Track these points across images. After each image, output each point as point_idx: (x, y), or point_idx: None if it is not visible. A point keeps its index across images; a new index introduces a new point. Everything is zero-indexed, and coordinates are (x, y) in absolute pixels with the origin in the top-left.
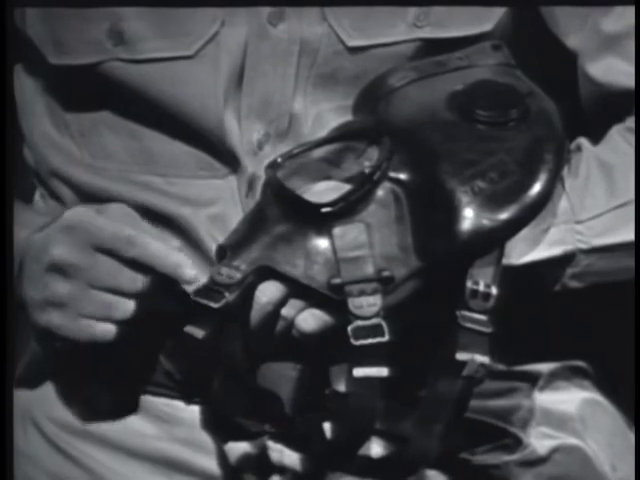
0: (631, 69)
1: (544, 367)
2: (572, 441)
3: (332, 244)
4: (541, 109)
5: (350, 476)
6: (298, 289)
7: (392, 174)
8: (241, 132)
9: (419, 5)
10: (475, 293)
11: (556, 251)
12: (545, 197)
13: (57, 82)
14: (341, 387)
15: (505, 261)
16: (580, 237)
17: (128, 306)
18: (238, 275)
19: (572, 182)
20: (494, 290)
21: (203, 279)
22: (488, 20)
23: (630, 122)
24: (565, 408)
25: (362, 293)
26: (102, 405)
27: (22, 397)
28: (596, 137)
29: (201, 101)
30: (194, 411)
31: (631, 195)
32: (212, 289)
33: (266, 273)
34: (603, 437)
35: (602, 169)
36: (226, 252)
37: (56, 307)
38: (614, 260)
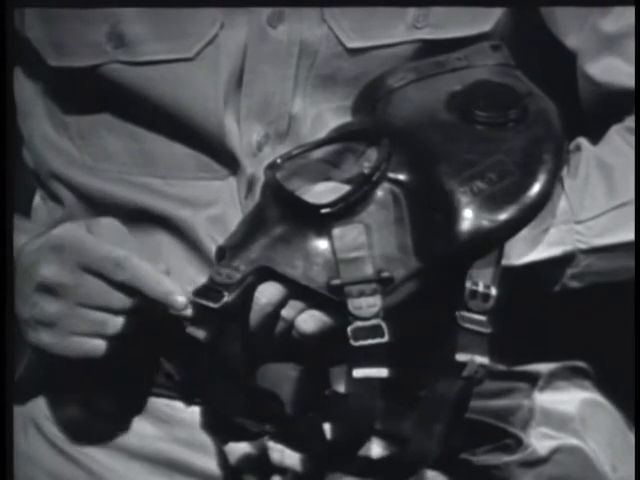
0: (630, 69)
1: (544, 367)
2: (572, 441)
3: (331, 245)
4: (540, 109)
5: (350, 477)
6: (297, 290)
7: (391, 175)
8: (240, 133)
9: (418, 6)
10: (474, 294)
11: (555, 251)
12: (544, 197)
13: (56, 84)
14: (341, 388)
15: (505, 262)
16: (579, 237)
17: (118, 322)
18: (237, 275)
19: (571, 182)
20: (493, 291)
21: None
22: (487, 20)
23: (629, 122)
24: (565, 408)
25: (361, 294)
26: (103, 409)
27: (23, 398)
28: (595, 137)
29: (201, 103)
30: (194, 412)
31: (630, 195)
32: (211, 289)
33: (265, 274)
34: (603, 437)
35: (601, 169)
36: (225, 253)
37: (45, 326)
38: (614, 260)
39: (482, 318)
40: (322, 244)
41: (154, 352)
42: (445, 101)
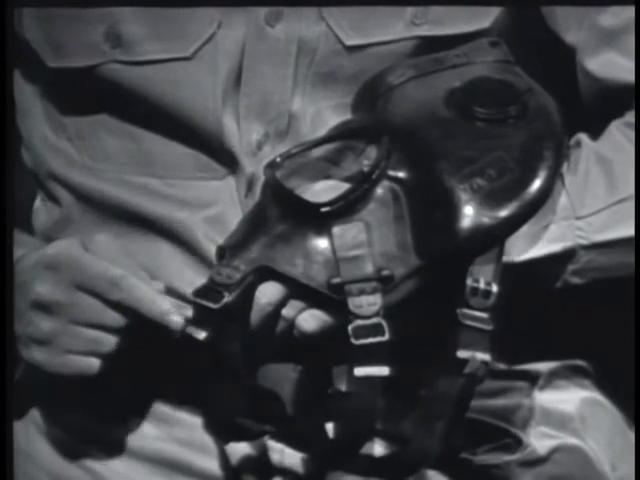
0: (630, 64)
1: (544, 366)
2: (572, 441)
3: (331, 243)
4: (540, 105)
5: (352, 475)
6: (298, 289)
7: (391, 172)
8: (240, 133)
9: (416, 4)
10: (475, 291)
11: (556, 248)
12: (544, 194)
13: (55, 85)
14: (343, 387)
15: (505, 258)
16: (580, 233)
17: (112, 340)
18: (237, 275)
19: (571, 178)
20: (494, 288)
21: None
22: (486, 17)
23: (629, 117)
24: (565, 408)
25: (362, 292)
26: (103, 410)
27: (23, 397)
28: (596, 132)
29: (199, 102)
30: (194, 412)
31: (631, 191)
32: (212, 289)
33: (266, 273)
34: (603, 436)
35: (601, 165)
36: (225, 253)
37: (39, 344)
38: (614, 256)
39: (483, 315)
40: (322, 243)
41: (152, 359)
42: (444, 98)
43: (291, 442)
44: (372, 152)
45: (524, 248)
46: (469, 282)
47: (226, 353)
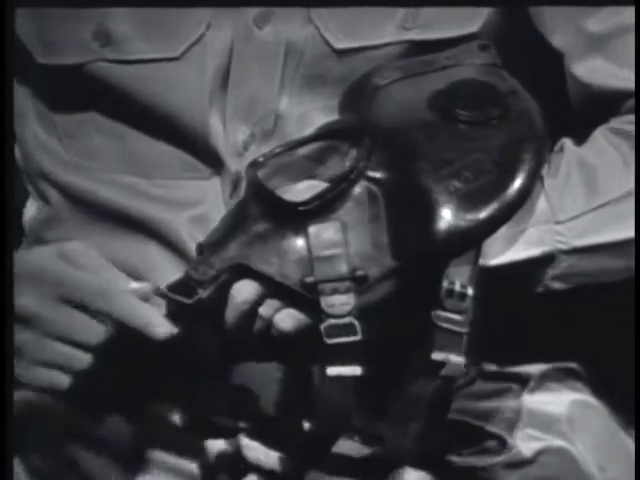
0: (616, 69)
1: (535, 369)
2: (558, 443)
3: (307, 242)
4: (523, 109)
5: (328, 475)
6: (273, 287)
7: (370, 173)
8: (226, 134)
9: (405, 6)
10: (451, 293)
11: (535, 252)
12: (522, 196)
13: (45, 82)
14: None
15: (483, 261)
16: (560, 238)
17: (85, 359)
18: (212, 272)
19: (552, 183)
20: (470, 290)
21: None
22: (475, 21)
23: (615, 123)
24: (553, 410)
25: (335, 292)
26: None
27: None
28: (582, 138)
29: (186, 103)
30: (170, 410)
31: (612, 196)
32: (186, 285)
33: (241, 271)
34: (592, 439)
35: (583, 170)
36: (204, 250)
37: (16, 355)
38: (598, 261)
39: (458, 317)
40: (299, 242)
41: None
42: (427, 100)
43: (266, 440)
44: (354, 153)
45: (501, 251)
46: (445, 284)
47: (199, 349)
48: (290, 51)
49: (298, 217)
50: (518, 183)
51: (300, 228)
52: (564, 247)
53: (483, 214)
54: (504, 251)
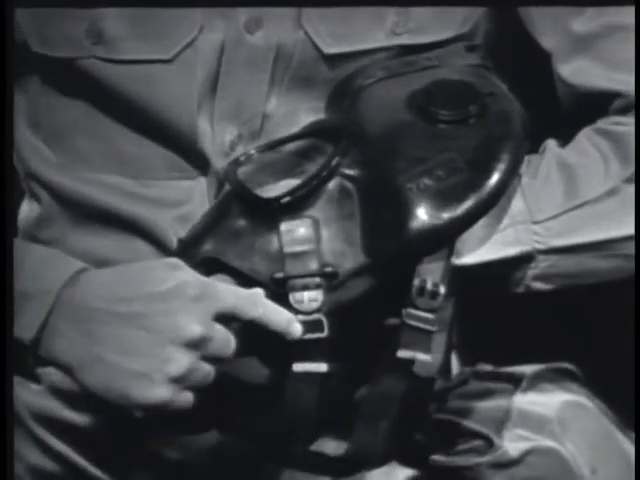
0: (602, 71)
1: (529, 369)
2: (548, 443)
3: (279, 239)
4: (502, 110)
5: (300, 472)
6: (245, 283)
7: (345, 170)
8: (214, 135)
9: (395, 5)
10: (422, 291)
11: (512, 251)
12: (495, 195)
13: (36, 75)
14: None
15: (458, 260)
16: (537, 237)
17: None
18: (189, 265)
19: (530, 183)
20: (442, 289)
21: None
22: (465, 23)
23: (601, 124)
24: (543, 410)
25: (305, 288)
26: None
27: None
28: (568, 139)
29: (175, 104)
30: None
31: (591, 195)
32: None
33: (215, 266)
34: (584, 439)
35: (562, 170)
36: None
37: (175, 382)
38: (579, 261)
39: (429, 316)
40: (271, 238)
41: None
42: (406, 99)
43: (233, 436)
44: (330, 150)
45: (475, 250)
46: (416, 282)
47: None
48: (280, 55)
49: (272, 214)
50: (492, 181)
51: (273, 224)
52: (542, 247)
53: (455, 212)
54: (478, 250)
